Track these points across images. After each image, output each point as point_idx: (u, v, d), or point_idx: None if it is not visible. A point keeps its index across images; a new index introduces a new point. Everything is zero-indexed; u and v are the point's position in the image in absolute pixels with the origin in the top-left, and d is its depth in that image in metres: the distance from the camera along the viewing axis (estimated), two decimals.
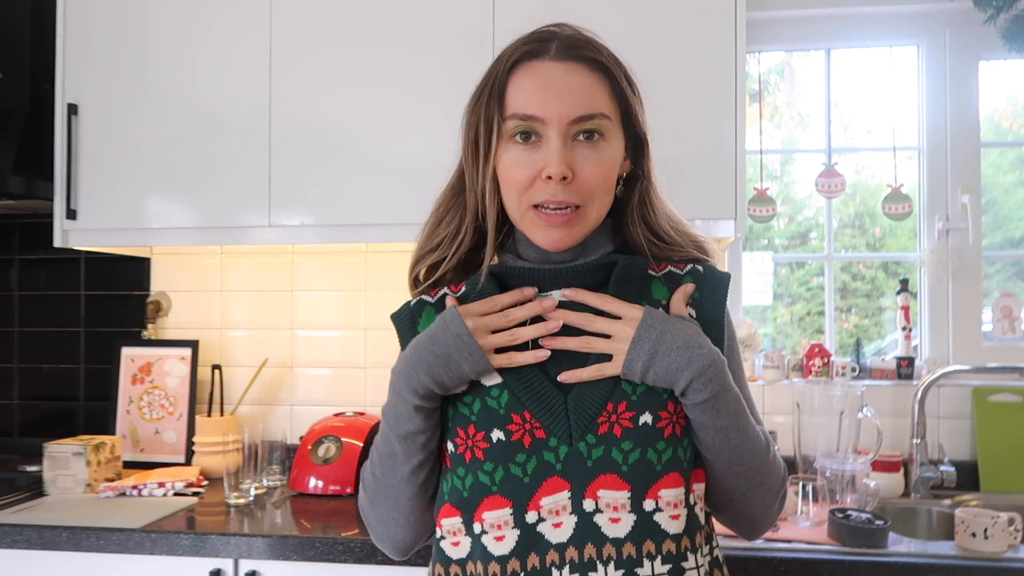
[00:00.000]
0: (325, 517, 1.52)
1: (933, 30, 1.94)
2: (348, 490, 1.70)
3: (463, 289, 0.90)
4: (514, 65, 0.84)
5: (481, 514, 0.81)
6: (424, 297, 0.91)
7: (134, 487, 1.67)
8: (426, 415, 0.84)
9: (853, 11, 1.95)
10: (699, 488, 0.84)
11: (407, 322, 0.92)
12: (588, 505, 0.78)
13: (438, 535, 0.86)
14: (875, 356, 1.95)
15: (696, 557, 0.80)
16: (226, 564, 1.39)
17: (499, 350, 0.83)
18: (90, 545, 1.41)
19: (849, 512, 1.38)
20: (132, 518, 1.47)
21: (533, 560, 0.78)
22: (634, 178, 0.90)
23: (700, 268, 0.90)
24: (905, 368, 1.87)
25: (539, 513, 0.79)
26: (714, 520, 0.91)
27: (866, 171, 2.10)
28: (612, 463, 0.79)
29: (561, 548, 0.78)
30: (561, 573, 0.77)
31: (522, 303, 0.85)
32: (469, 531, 0.82)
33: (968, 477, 1.79)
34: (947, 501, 1.70)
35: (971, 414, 1.84)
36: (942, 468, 1.74)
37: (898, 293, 1.93)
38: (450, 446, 0.84)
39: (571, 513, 0.78)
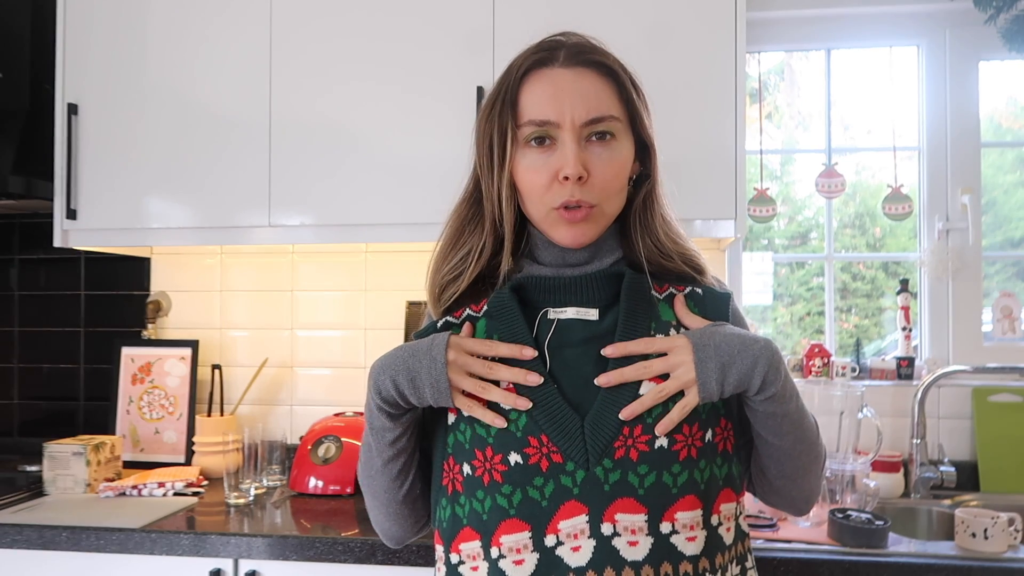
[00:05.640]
0: (325, 517, 1.52)
1: (933, 30, 1.94)
2: (348, 490, 1.70)
3: (484, 308, 0.90)
4: (525, 74, 0.86)
5: (499, 538, 0.80)
6: (449, 318, 0.91)
7: (134, 487, 1.67)
8: (390, 417, 0.85)
9: (853, 11, 1.95)
10: (728, 508, 0.84)
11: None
12: (606, 529, 0.78)
13: (455, 560, 0.85)
14: (875, 356, 1.95)
15: None
16: (226, 564, 1.39)
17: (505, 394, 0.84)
18: (90, 545, 1.41)
19: (849, 512, 1.38)
20: (132, 518, 1.47)
21: None
22: (643, 180, 0.92)
23: (699, 291, 0.91)
24: (905, 368, 1.87)
25: (558, 537, 0.79)
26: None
27: (866, 171, 2.10)
28: (629, 487, 0.79)
29: (580, 572, 0.78)
30: None
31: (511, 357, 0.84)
32: (487, 555, 0.82)
33: (968, 477, 1.79)
34: (947, 501, 1.69)
35: (971, 414, 1.84)
36: (942, 468, 1.74)
37: (898, 293, 1.93)
38: (467, 468, 0.84)
39: (589, 537, 0.78)
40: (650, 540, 0.78)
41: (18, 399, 2.15)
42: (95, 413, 2.09)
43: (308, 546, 1.36)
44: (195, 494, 1.68)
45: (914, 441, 1.76)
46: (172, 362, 2.00)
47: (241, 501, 1.61)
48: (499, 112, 0.86)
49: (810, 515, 1.45)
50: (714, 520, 0.82)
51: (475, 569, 0.83)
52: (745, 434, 0.89)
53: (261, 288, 2.06)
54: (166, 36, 1.74)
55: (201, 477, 1.78)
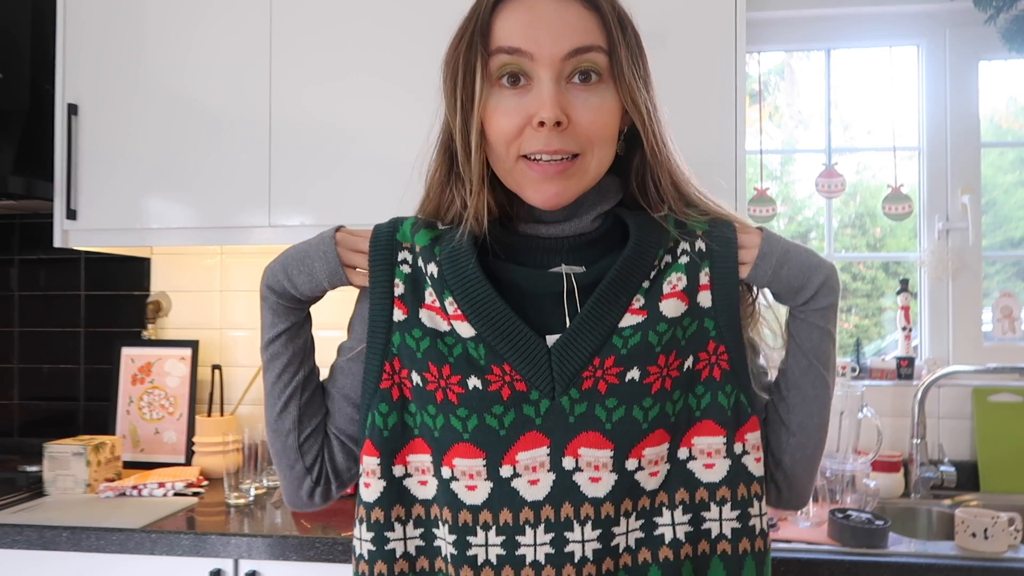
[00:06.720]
0: (325, 517, 1.52)
1: (933, 30, 1.94)
2: (348, 490, 1.69)
3: (452, 242, 0.80)
4: (500, 0, 0.76)
5: (452, 459, 0.75)
6: (418, 216, 0.86)
7: (134, 487, 1.67)
8: (273, 312, 0.84)
9: (853, 11, 1.95)
10: (707, 442, 0.77)
11: (386, 227, 0.87)
12: (568, 463, 0.74)
13: (399, 473, 0.79)
14: (875, 356, 1.95)
15: (674, 514, 0.76)
16: (226, 564, 1.39)
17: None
18: (90, 545, 1.41)
19: (849, 512, 1.38)
20: (132, 518, 1.47)
21: (506, 516, 0.74)
22: (636, 133, 0.80)
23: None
24: (905, 368, 1.87)
25: (514, 468, 0.74)
26: None
27: (866, 171, 2.10)
28: (595, 420, 0.74)
29: (536, 506, 0.73)
30: (535, 532, 0.73)
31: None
32: (437, 473, 0.77)
33: (968, 477, 1.79)
34: (947, 501, 1.70)
35: (971, 414, 1.84)
36: (942, 468, 1.74)
37: (898, 293, 1.93)
38: (416, 377, 0.77)
39: (549, 470, 0.74)
40: (614, 477, 0.73)
41: (18, 399, 2.15)
42: (95, 413, 2.09)
43: (308, 546, 1.36)
44: (195, 494, 1.68)
45: (914, 441, 1.76)
46: (172, 362, 2.00)
47: (241, 501, 1.61)
48: (468, 42, 0.76)
49: (810, 515, 1.45)
50: (682, 453, 0.77)
51: (423, 484, 0.78)
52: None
53: None
54: (166, 36, 1.74)
55: (201, 477, 1.78)
